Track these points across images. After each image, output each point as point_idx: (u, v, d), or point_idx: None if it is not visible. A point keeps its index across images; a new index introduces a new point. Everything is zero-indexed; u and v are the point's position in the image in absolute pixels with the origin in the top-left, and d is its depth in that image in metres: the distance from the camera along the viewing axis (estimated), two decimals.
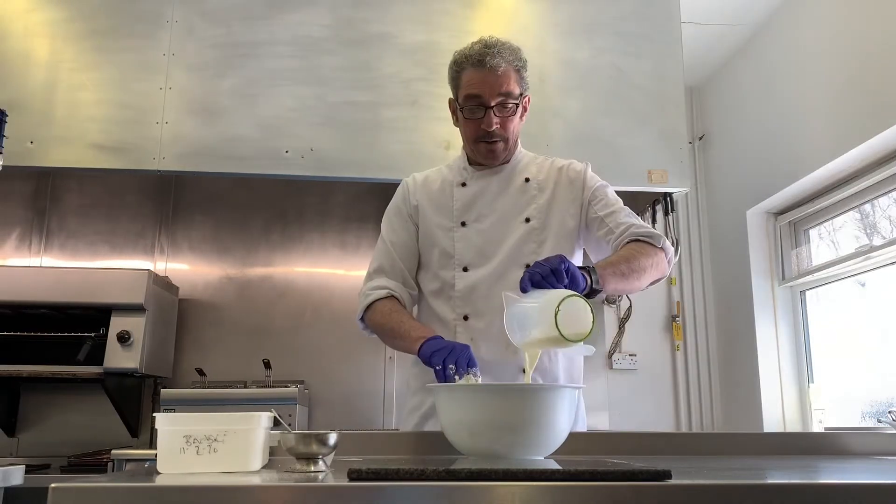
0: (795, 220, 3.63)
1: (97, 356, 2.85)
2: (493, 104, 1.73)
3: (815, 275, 3.46)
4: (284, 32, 3.02)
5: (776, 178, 3.48)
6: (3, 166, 2.24)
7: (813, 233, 3.59)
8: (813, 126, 3.24)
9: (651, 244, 1.70)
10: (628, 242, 1.71)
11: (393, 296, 1.78)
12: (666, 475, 0.86)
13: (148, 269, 3.02)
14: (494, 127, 1.75)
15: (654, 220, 3.28)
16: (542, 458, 1.21)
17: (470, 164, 1.88)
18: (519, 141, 1.89)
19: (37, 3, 2.99)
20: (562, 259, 1.40)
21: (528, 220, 1.80)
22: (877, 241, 3.16)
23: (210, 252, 3.52)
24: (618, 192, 3.86)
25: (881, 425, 2.81)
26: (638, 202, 3.34)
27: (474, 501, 0.82)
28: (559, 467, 0.90)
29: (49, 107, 2.89)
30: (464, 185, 1.86)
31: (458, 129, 1.86)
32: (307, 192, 3.55)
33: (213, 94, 2.95)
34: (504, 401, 1.21)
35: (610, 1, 3.15)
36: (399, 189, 1.94)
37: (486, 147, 1.79)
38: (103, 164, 2.88)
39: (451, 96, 1.84)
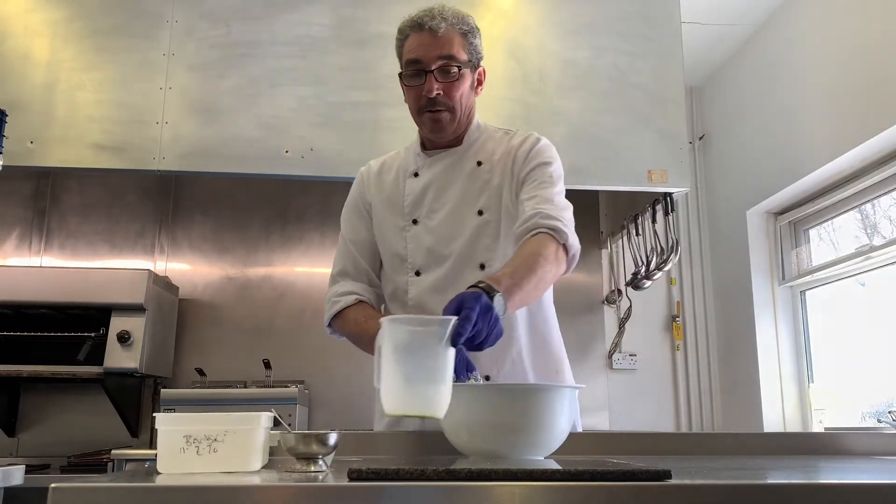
0: (795, 220, 3.63)
1: (97, 356, 2.86)
2: (433, 68, 1.58)
3: (815, 275, 3.45)
4: (284, 32, 3.02)
5: (776, 178, 3.48)
6: (3, 166, 2.24)
7: (813, 233, 3.59)
8: (813, 126, 3.24)
9: (555, 238, 1.49)
10: (533, 235, 1.50)
11: (361, 301, 1.66)
12: (666, 475, 0.86)
13: (148, 269, 3.02)
14: (436, 93, 1.58)
15: (654, 220, 3.28)
16: (542, 458, 1.21)
17: (423, 148, 1.72)
18: (476, 118, 1.72)
19: (37, 3, 2.99)
20: (467, 319, 1.14)
21: (481, 212, 1.63)
22: (877, 241, 3.16)
23: (210, 252, 3.52)
24: (617, 193, 3.85)
25: (881, 425, 2.81)
26: (638, 202, 3.34)
27: (474, 501, 0.82)
28: (559, 467, 0.90)
29: (49, 107, 2.89)
30: (416, 174, 1.70)
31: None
32: (307, 192, 3.56)
33: (213, 94, 2.95)
34: (504, 401, 1.21)
35: (610, 1, 3.15)
36: (355, 182, 1.81)
37: (430, 117, 1.62)
38: (103, 164, 2.88)
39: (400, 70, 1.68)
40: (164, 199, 3.55)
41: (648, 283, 3.43)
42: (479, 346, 1.20)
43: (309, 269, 3.54)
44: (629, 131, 3.03)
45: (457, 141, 1.69)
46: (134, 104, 2.92)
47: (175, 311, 3.33)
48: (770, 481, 0.97)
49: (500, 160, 1.66)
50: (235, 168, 2.92)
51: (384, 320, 1.06)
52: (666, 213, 3.14)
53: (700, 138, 4.16)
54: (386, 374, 1.03)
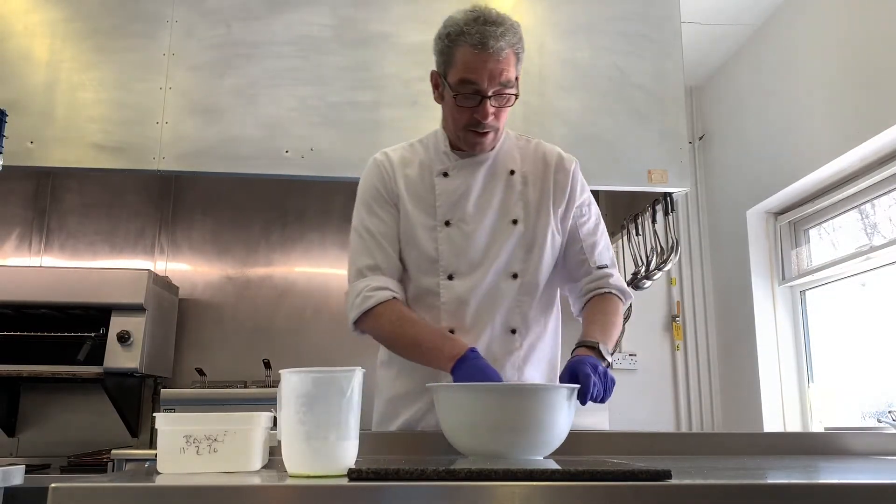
0: (795, 220, 3.63)
1: (97, 356, 2.85)
2: (490, 93, 1.55)
3: (815, 275, 3.46)
4: (284, 32, 3.02)
5: (776, 178, 3.48)
6: (3, 166, 2.24)
7: (813, 233, 3.59)
8: (813, 126, 3.24)
9: (621, 300, 1.66)
10: (602, 294, 1.65)
11: (396, 298, 1.58)
12: (666, 475, 0.86)
13: (148, 269, 3.02)
14: (490, 118, 1.57)
15: (654, 220, 3.28)
16: (542, 458, 1.21)
17: (452, 148, 1.68)
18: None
19: (37, 3, 2.99)
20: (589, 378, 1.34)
21: (515, 221, 1.63)
22: (877, 241, 3.16)
23: (210, 252, 3.52)
24: (617, 193, 3.85)
25: (881, 425, 2.81)
26: (638, 202, 3.34)
27: (474, 501, 0.82)
28: (559, 467, 0.90)
29: (49, 107, 2.88)
30: (446, 174, 1.65)
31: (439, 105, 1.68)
32: (307, 192, 3.55)
33: (213, 94, 2.95)
34: (504, 401, 1.21)
35: (610, 1, 3.15)
36: (373, 169, 1.70)
37: (475, 137, 1.61)
38: (103, 164, 2.88)
39: (436, 69, 1.63)
40: (164, 199, 3.55)
41: (648, 283, 3.42)
42: (602, 399, 1.36)
43: (309, 269, 3.53)
44: (629, 131, 3.02)
45: (490, 149, 1.69)
46: (134, 104, 2.92)
47: (175, 311, 3.33)
48: (770, 481, 0.97)
49: (533, 173, 1.67)
50: (235, 168, 2.91)
51: (284, 372, 1.00)
52: (666, 213, 3.14)
53: (700, 138, 4.16)
54: (286, 430, 0.98)
